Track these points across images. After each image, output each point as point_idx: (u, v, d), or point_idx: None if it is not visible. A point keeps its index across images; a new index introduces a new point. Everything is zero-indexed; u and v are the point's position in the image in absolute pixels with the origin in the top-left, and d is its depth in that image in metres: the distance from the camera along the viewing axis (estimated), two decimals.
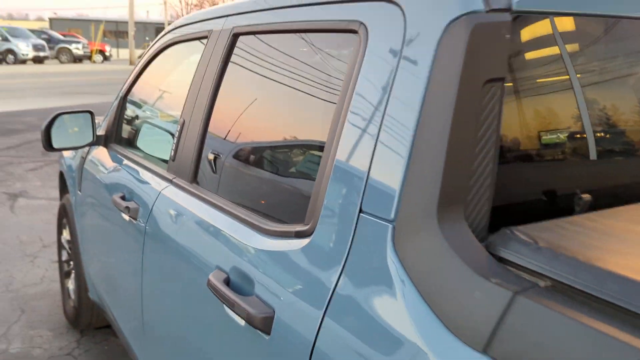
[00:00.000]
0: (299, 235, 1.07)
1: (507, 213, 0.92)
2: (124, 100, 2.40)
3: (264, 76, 1.42)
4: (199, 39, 1.79)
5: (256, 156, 1.43)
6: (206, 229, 1.39)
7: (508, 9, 0.89)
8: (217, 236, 1.33)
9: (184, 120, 1.66)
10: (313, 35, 1.25)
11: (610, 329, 0.63)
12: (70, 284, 2.92)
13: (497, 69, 0.87)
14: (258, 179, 1.39)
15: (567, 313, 0.66)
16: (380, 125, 0.94)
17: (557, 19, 1.05)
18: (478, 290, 0.73)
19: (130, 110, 2.41)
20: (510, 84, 1.04)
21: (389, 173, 0.90)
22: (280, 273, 1.08)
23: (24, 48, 25.69)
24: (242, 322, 1.12)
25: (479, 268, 0.75)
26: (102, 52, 32.03)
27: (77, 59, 29.84)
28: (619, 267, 0.71)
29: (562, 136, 1.11)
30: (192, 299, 1.39)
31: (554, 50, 1.09)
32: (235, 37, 1.52)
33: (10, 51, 25.47)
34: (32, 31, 29.21)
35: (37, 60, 26.39)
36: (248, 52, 1.48)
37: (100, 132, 2.41)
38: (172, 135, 1.77)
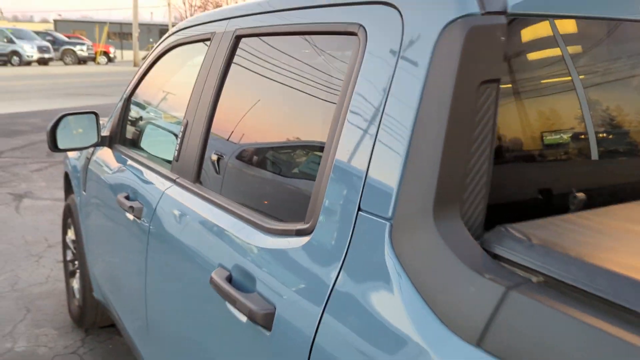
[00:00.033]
0: (300, 233, 1.09)
1: (510, 211, 0.94)
2: (128, 102, 2.43)
3: (266, 77, 1.44)
4: (202, 40, 1.81)
5: (258, 156, 1.45)
6: (209, 227, 1.42)
7: (503, 12, 0.91)
8: (220, 235, 1.36)
9: (188, 121, 1.68)
10: (314, 37, 1.27)
11: (600, 323, 0.65)
12: (75, 284, 2.95)
13: (493, 70, 0.89)
14: (260, 178, 1.41)
15: (559, 308, 0.68)
16: (379, 125, 0.96)
17: (556, 21, 1.07)
18: (472, 285, 0.75)
19: (134, 112, 2.44)
20: (510, 85, 1.06)
21: (387, 172, 0.93)
22: (281, 270, 1.11)
23: (29, 50, 25.81)
24: (244, 319, 1.15)
25: (473, 264, 0.77)
26: (106, 53, 32.17)
27: (82, 61, 29.98)
28: (609, 264, 0.73)
29: (563, 136, 1.13)
30: (195, 297, 1.41)
31: (553, 51, 1.11)
32: (238, 39, 1.55)
33: (15, 53, 25.60)
34: (37, 33, 29.33)
35: (42, 61, 26.51)
36: (250, 54, 1.51)
37: (105, 133, 2.44)
38: (176, 136, 1.80)
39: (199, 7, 38.96)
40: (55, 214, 4.64)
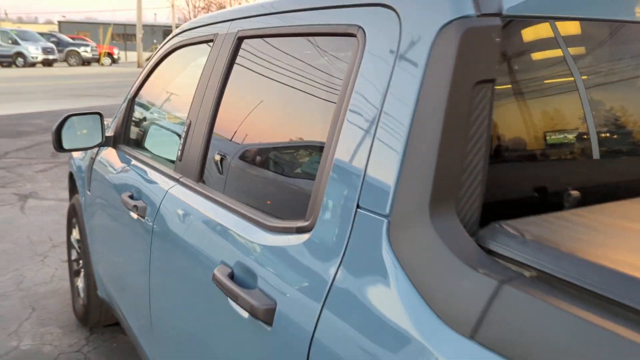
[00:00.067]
0: (300, 230, 1.12)
1: (507, 208, 0.96)
2: (132, 102, 2.46)
3: (267, 78, 1.47)
4: (205, 42, 1.84)
5: (259, 156, 1.48)
6: (211, 226, 1.44)
7: (499, 14, 0.93)
8: (222, 233, 1.38)
9: (191, 122, 1.71)
10: (314, 39, 1.29)
11: (590, 316, 0.66)
12: (80, 283, 2.98)
13: (488, 71, 0.91)
14: (261, 177, 1.44)
15: (550, 301, 0.70)
16: (377, 124, 0.98)
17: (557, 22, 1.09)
18: (466, 279, 0.77)
19: (138, 112, 2.46)
20: (509, 85, 1.08)
21: (385, 170, 0.95)
22: (281, 267, 1.13)
23: (34, 51, 25.93)
24: (246, 315, 1.17)
25: (468, 259, 0.80)
26: (110, 54, 32.28)
27: (86, 62, 30.11)
28: (599, 259, 0.75)
29: (561, 136, 1.14)
30: (198, 294, 1.44)
31: (553, 52, 1.13)
32: (240, 40, 1.57)
33: (20, 54, 25.72)
34: (42, 34, 29.49)
35: (47, 63, 26.63)
36: (252, 55, 1.53)
37: (109, 133, 2.47)
38: (179, 136, 1.82)
39: (203, 9, 39.07)
40: (59, 214, 4.67)
